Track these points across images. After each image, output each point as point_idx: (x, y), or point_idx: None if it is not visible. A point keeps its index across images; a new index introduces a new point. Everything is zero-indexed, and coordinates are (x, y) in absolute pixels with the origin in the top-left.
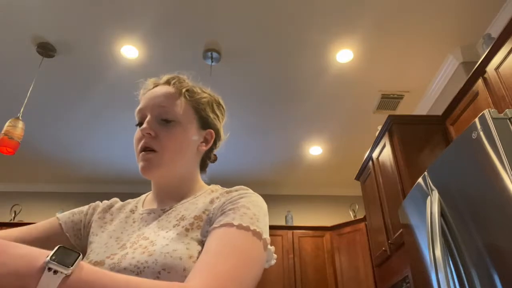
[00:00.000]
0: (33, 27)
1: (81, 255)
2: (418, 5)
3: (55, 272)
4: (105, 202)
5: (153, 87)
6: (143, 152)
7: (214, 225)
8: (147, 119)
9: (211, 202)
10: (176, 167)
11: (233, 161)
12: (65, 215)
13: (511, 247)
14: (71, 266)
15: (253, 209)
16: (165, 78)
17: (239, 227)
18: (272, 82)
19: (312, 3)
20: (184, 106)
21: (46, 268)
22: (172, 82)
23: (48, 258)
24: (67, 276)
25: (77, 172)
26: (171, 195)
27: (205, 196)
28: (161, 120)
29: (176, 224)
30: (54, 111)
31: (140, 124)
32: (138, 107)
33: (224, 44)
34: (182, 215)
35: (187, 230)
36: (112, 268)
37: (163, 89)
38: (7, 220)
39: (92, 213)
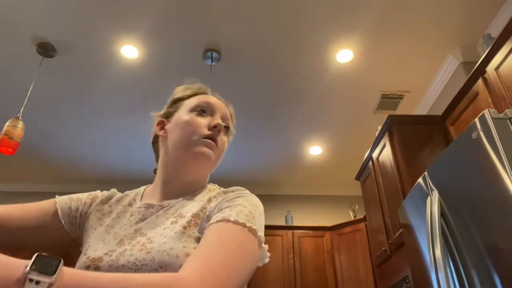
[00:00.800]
0: (33, 27)
1: (62, 261)
2: (418, 5)
3: (37, 282)
4: (104, 193)
5: (208, 93)
6: (209, 140)
7: (211, 221)
8: (219, 116)
9: (209, 200)
10: (212, 167)
11: (233, 161)
12: (63, 200)
13: (511, 247)
14: (53, 274)
15: (249, 207)
16: (218, 96)
17: (236, 222)
18: (272, 82)
19: (312, 3)
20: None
21: (27, 279)
22: (228, 104)
23: (28, 268)
24: (51, 285)
25: (77, 172)
26: (176, 191)
27: (202, 194)
28: (225, 127)
29: (174, 221)
30: (54, 111)
31: (202, 111)
32: (207, 100)
33: (224, 44)
34: (180, 212)
35: (184, 228)
36: (111, 265)
37: (226, 106)
38: None
39: (90, 204)
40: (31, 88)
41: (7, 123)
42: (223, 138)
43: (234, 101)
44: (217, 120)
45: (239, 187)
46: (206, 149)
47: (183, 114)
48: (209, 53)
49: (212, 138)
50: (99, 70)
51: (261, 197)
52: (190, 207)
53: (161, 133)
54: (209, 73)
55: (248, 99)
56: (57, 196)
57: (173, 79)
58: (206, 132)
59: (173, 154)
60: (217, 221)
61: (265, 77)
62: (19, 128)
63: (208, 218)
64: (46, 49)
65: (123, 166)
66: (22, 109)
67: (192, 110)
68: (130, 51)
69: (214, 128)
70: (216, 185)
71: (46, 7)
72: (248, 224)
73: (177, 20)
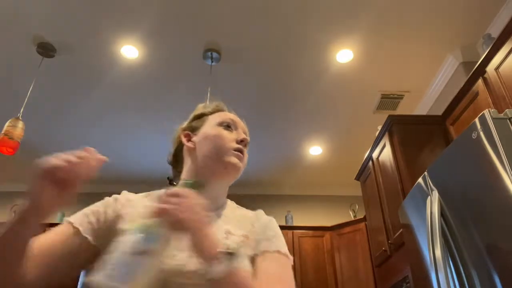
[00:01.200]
0: (33, 27)
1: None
2: (418, 5)
3: (230, 259)
4: (117, 196)
5: (225, 110)
6: (238, 152)
7: (267, 249)
8: (241, 131)
9: (252, 224)
10: (235, 179)
11: None
12: (78, 219)
13: (511, 247)
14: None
15: (282, 236)
16: (234, 113)
17: (285, 255)
18: (272, 82)
19: (312, 3)
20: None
21: (225, 255)
22: (243, 121)
23: (223, 251)
24: (234, 268)
25: None
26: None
27: (228, 210)
28: (246, 144)
29: (224, 237)
30: (54, 111)
31: (227, 126)
32: (230, 117)
33: (224, 44)
34: (227, 229)
35: (239, 246)
36: (180, 270)
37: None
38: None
39: (105, 211)
40: (31, 88)
41: (7, 123)
42: (246, 152)
43: (234, 101)
44: (243, 135)
45: (260, 210)
46: (236, 160)
47: (209, 128)
48: (209, 53)
49: (240, 150)
50: (99, 70)
51: (261, 197)
52: (234, 225)
53: (189, 144)
54: (209, 73)
55: (248, 99)
56: (65, 218)
57: (173, 79)
58: (235, 145)
59: (202, 165)
60: (274, 252)
61: (265, 77)
62: (19, 128)
63: (258, 242)
64: (46, 49)
65: (123, 166)
66: (22, 109)
67: (219, 125)
68: (130, 51)
69: (241, 142)
70: (234, 202)
71: (46, 7)
72: (290, 256)
73: (177, 20)
